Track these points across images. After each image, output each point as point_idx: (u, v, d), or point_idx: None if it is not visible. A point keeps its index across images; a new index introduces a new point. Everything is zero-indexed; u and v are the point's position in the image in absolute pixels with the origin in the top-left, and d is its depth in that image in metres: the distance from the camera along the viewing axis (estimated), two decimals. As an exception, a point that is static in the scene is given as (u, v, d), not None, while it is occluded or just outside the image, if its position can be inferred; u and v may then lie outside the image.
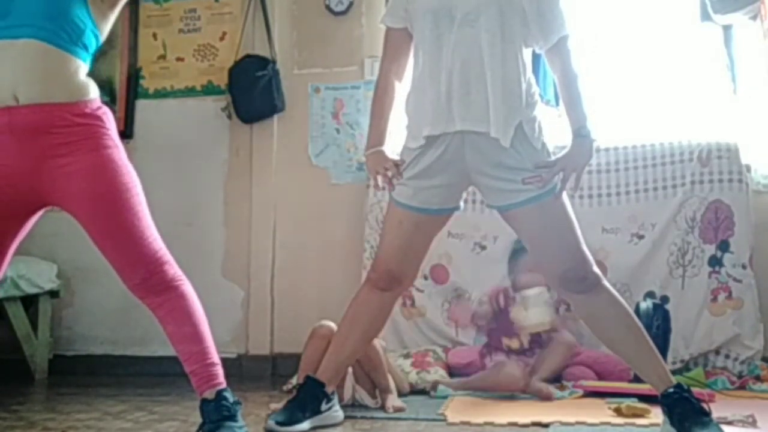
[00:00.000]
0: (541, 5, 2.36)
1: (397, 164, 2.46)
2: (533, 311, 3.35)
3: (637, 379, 3.23)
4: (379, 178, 2.49)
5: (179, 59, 4.51)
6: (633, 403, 2.75)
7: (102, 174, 2.08)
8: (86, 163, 2.06)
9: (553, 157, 2.37)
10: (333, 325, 2.93)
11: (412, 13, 2.43)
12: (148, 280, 2.13)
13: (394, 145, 2.63)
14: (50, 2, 2.07)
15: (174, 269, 2.18)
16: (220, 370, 2.20)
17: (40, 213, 2.22)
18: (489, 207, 2.55)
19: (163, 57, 4.53)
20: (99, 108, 2.14)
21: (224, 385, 2.19)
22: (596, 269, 2.34)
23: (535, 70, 4.03)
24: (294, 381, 2.89)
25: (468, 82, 2.33)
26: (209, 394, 2.16)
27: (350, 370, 2.87)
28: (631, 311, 2.40)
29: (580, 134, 2.34)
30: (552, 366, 3.29)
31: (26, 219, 2.19)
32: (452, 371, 3.56)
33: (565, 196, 2.36)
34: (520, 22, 2.35)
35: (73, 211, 2.12)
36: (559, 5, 2.40)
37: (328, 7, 4.35)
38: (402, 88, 2.56)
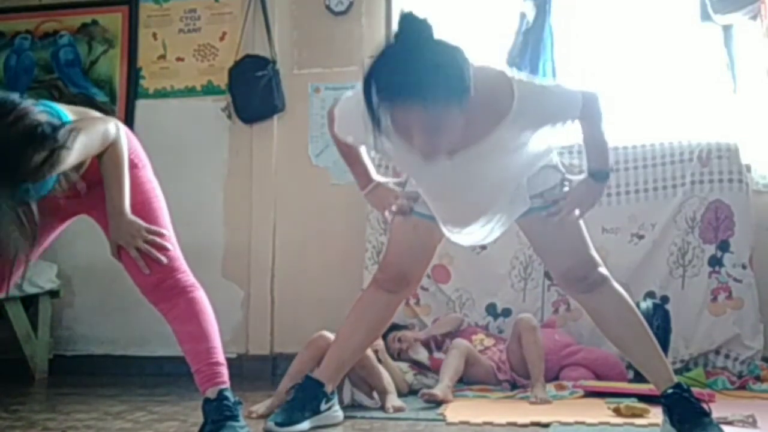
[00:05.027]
0: (540, 117, 2.10)
1: (401, 195, 2.40)
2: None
3: (636, 379, 3.24)
4: (393, 209, 2.42)
5: (179, 59, 4.51)
6: (632, 403, 2.75)
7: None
8: None
9: (557, 157, 2.36)
10: (332, 336, 2.91)
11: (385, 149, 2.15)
12: (160, 285, 2.16)
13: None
14: None
15: (188, 277, 2.22)
16: (224, 370, 2.20)
17: (69, 222, 2.30)
18: None
19: (163, 57, 4.54)
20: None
21: (227, 384, 2.19)
22: (602, 270, 2.35)
23: (534, 68, 4.06)
24: (256, 408, 2.84)
25: (467, 218, 2.31)
26: (211, 393, 2.16)
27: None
28: (637, 310, 2.40)
29: (598, 177, 2.29)
30: (451, 370, 3.26)
31: (58, 227, 2.28)
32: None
33: None
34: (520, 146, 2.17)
35: (98, 219, 2.22)
36: (556, 98, 2.14)
37: (328, 7, 4.35)
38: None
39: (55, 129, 1.82)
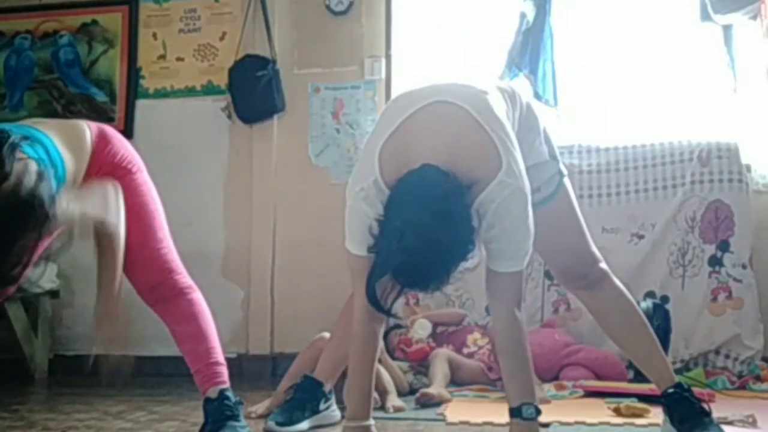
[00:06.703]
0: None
1: None
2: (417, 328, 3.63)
3: (636, 379, 3.24)
4: None
5: (179, 59, 4.51)
6: (632, 402, 2.75)
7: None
8: None
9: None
10: None
11: None
12: (157, 288, 2.18)
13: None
14: None
15: (185, 279, 2.22)
16: (224, 370, 2.20)
17: None
18: None
19: (163, 57, 4.54)
20: (105, 147, 2.16)
21: (227, 384, 2.20)
22: (602, 266, 2.34)
23: (534, 68, 4.06)
24: (255, 408, 2.84)
25: None
26: (212, 393, 2.16)
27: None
28: (638, 308, 2.40)
29: (520, 415, 1.94)
30: (439, 374, 3.29)
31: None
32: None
33: (572, 194, 2.35)
34: None
35: None
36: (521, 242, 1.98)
37: (328, 7, 4.36)
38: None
39: (46, 202, 1.78)
